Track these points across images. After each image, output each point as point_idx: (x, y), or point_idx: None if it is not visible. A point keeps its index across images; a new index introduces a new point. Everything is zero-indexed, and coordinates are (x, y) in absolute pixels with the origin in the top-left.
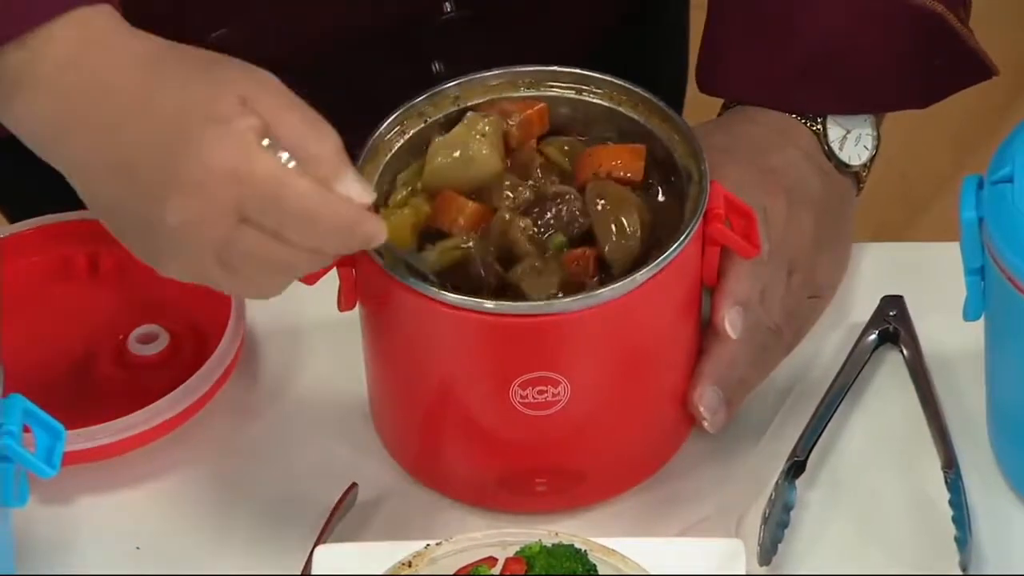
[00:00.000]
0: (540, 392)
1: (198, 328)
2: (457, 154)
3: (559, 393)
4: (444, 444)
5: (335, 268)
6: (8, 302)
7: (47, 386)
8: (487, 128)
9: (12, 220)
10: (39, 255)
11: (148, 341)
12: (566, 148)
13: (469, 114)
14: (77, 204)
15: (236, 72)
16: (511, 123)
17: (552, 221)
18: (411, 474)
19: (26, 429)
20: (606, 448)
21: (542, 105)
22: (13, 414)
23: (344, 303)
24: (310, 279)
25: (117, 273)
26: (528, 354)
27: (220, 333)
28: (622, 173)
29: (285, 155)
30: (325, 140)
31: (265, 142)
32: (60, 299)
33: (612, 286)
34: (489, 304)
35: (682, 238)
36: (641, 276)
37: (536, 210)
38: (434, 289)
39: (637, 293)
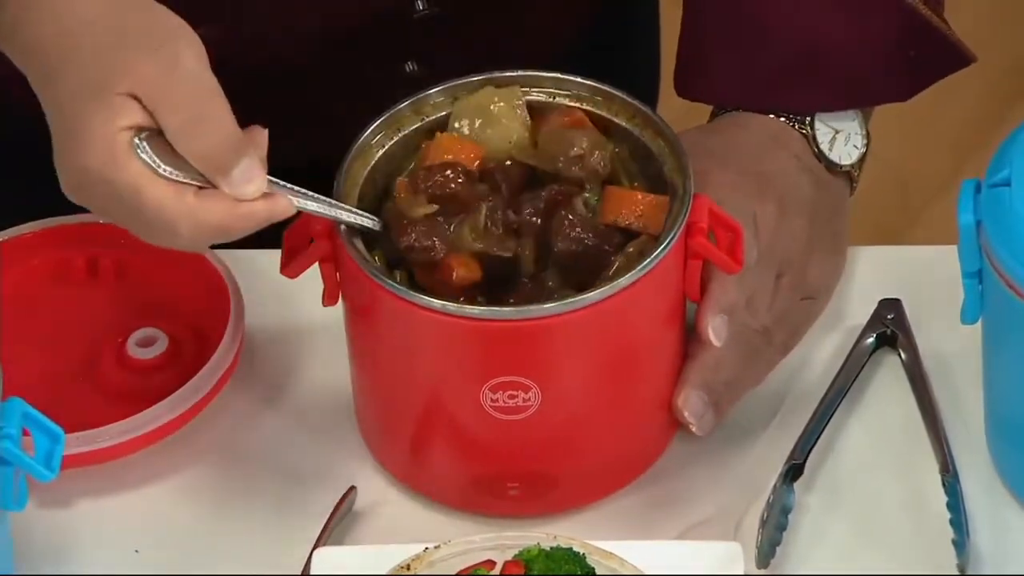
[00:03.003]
0: (511, 396)
1: (197, 331)
2: (479, 122)
3: (530, 398)
4: (421, 446)
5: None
6: (7, 305)
7: (46, 389)
8: (505, 99)
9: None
10: (38, 258)
11: (147, 344)
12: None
13: (488, 87)
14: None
15: (141, 54)
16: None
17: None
18: (395, 476)
19: (25, 432)
20: (580, 454)
21: (579, 115)
22: (12, 417)
23: (327, 298)
24: (291, 272)
25: (116, 276)
26: (496, 358)
27: (219, 336)
28: (640, 226)
29: (152, 159)
30: (210, 134)
31: (137, 144)
32: (59, 302)
33: (583, 295)
34: (455, 307)
35: (659, 250)
36: (611, 288)
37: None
38: (407, 290)
39: (609, 303)
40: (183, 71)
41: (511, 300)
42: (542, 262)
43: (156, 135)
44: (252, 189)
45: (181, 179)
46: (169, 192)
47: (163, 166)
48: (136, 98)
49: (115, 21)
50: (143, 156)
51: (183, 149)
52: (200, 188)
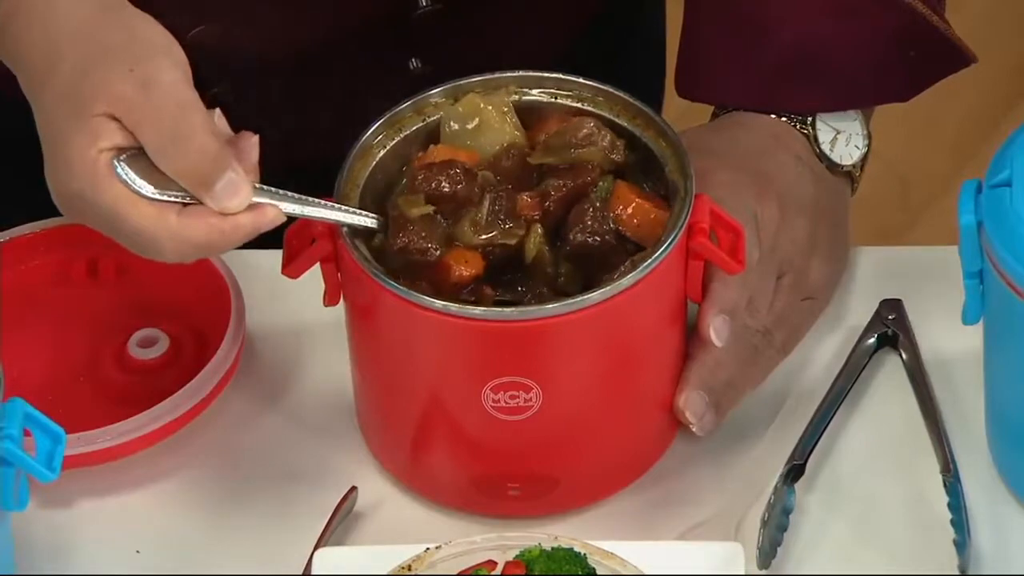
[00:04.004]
0: (512, 397)
1: (198, 332)
2: (468, 127)
3: (531, 399)
4: (422, 447)
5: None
6: (8, 306)
7: (47, 390)
8: (493, 104)
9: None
10: (39, 259)
11: (148, 345)
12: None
13: (471, 95)
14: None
15: (118, 73)
16: (548, 135)
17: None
18: (395, 477)
19: (26, 433)
20: (582, 454)
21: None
22: (14, 418)
23: (329, 299)
24: (293, 272)
25: (117, 277)
26: (497, 358)
27: (220, 337)
28: (635, 235)
29: (132, 181)
30: (189, 151)
31: (117, 166)
32: (60, 303)
33: (584, 296)
34: (456, 307)
35: (660, 251)
36: (613, 289)
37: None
38: (408, 290)
39: (610, 304)
40: (159, 89)
41: (520, 288)
42: (552, 251)
43: (140, 154)
44: (236, 203)
45: (165, 197)
46: (151, 212)
47: (144, 186)
48: (115, 118)
49: (97, 35)
50: (123, 177)
51: (164, 167)
52: (187, 204)
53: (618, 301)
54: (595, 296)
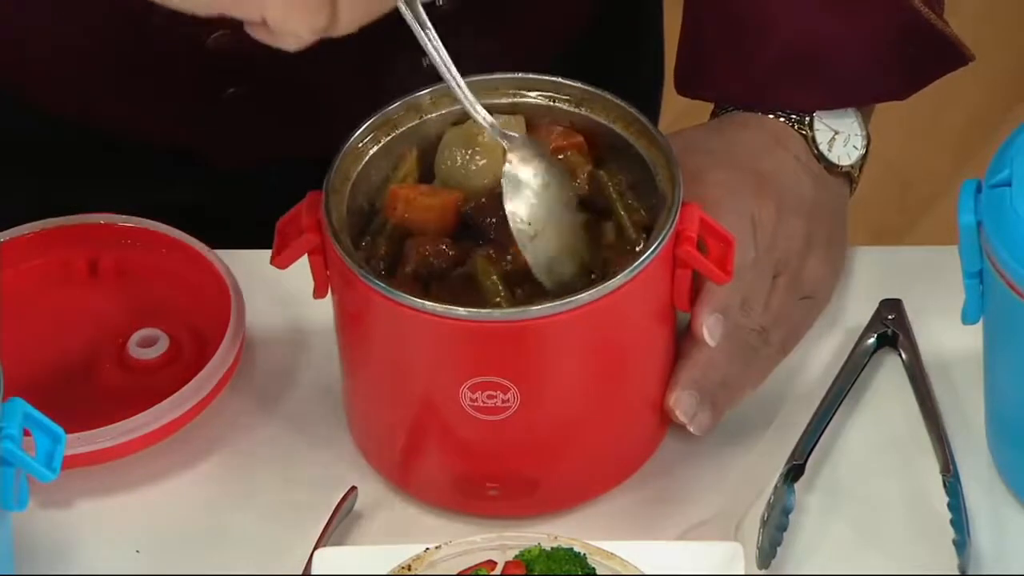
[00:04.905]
0: (490, 397)
1: (198, 331)
2: (467, 153)
3: (508, 399)
4: (404, 443)
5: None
6: (8, 305)
7: (47, 390)
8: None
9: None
10: (39, 259)
11: (148, 344)
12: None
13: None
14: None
15: None
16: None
17: None
18: (381, 473)
19: (26, 433)
20: (562, 455)
21: (579, 139)
22: (13, 418)
23: (317, 291)
24: (281, 263)
25: (117, 276)
26: (472, 358)
27: (220, 336)
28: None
29: None
30: None
31: None
32: (60, 303)
33: (562, 300)
34: (432, 306)
35: (643, 258)
36: (593, 295)
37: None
38: (387, 287)
39: (588, 309)
40: None
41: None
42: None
43: None
44: None
45: None
46: None
47: None
48: None
49: None
50: None
51: None
52: None
53: (598, 306)
54: (577, 300)
